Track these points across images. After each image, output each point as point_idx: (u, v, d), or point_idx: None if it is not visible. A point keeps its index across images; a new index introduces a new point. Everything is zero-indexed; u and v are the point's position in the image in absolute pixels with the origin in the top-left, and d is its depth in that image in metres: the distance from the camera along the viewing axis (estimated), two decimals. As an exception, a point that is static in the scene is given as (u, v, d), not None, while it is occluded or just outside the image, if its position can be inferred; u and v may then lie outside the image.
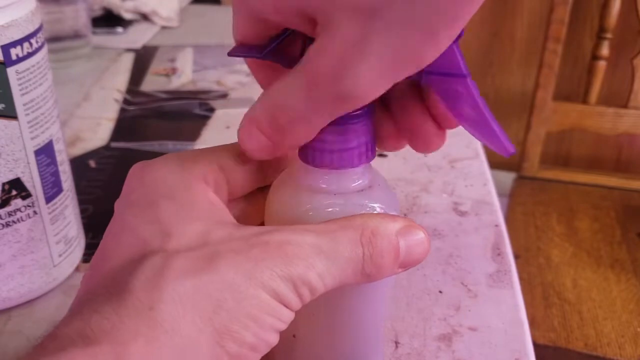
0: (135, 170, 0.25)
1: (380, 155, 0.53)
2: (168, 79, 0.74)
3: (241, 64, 0.77)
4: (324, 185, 0.25)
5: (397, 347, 0.35)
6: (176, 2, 0.95)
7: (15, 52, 0.32)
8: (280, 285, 0.21)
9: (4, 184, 0.34)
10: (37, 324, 0.37)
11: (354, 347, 0.28)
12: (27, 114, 0.34)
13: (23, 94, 0.33)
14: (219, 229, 0.23)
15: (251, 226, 0.23)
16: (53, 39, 0.75)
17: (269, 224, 0.26)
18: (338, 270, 0.22)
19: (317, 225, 0.23)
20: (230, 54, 0.25)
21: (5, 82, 0.32)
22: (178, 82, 0.73)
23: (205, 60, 0.79)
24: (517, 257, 0.98)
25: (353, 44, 0.20)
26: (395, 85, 0.21)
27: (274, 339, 0.22)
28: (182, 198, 0.24)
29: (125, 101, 0.68)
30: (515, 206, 1.19)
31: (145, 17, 0.93)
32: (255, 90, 0.72)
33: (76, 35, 0.78)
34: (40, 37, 0.35)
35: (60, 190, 0.37)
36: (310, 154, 0.24)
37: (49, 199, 0.36)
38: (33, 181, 0.35)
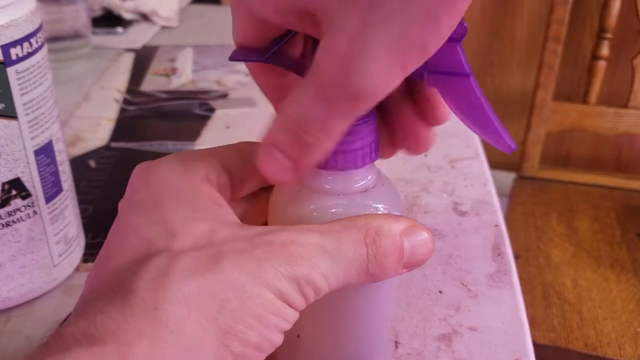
0: (139, 170, 0.25)
1: (380, 155, 0.53)
2: (168, 79, 0.74)
3: (241, 64, 0.77)
4: (327, 186, 0.25)
5: (397, 347, 0.35)
6: (176, 2, 0.95)
7: (15, 52, 0.32)
8: (284, 285, 0.21)
9: (3, 184, 0.34)
10: (37, 324, 0.37)
11: (358, 347, 0.28)
12: (27, 114, 0.34)
13: (23, 94, 0.33)
14: (223, 229, 0.23)
15: (255, 226, 0.23)
16: (53, 39, 0.75)
17: (273, 223, 0.26)
18: (342, 271, 0.22)
19: (321, 225, 0.23)
20: (231, 58, 0.25)
21: (5, 82, 0.32)
22: (178, 82, 0.73)
23: (205, 60, 0.79)
24: (517, 257, 0.98)
25: (356, 38, 0.20)
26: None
27: (278, 339, 0.22)
28: (186, 198, 0.24)
29: (125, 101, 0.68)
30: (515, 206, 1.19)
31: (145, 17, 0.93)
32: (256, 90, 0.72)
33: (76, 35, 0.78)
34: (40, 37, 0.35)
35: (60, 190, 0.37)
36: None
37: (48, 199, 0.36)
38: (33, 181, 0.35)
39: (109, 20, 0.90)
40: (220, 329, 0.20)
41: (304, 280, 0.22)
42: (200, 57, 0.80)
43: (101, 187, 0.51)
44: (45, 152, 0.36)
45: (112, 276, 0.22)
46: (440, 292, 0.39)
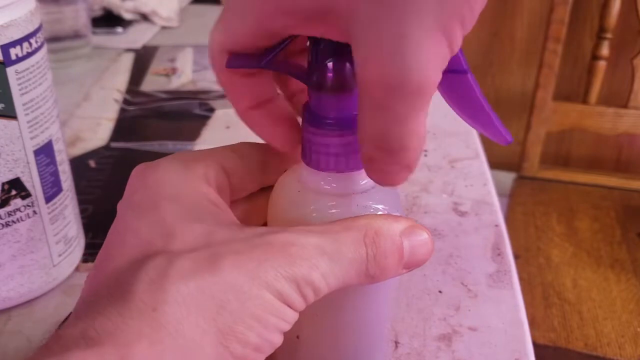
0: (138, 171, 0.25)
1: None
2: (168, 79, 0.74)
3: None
4: (327, 187, 0.25)
5: (397, 347, 0.35)
6: (176, 2, 0.95)
7: (14, 51, 0.32)
8: (284, 286, 0.21)
9: (3, 184, 0.34)
10: (37, 324, 0.37)
11: (358, 347, 0.28)
12: (27, 114, 0.34)
13: (23, 94, 0.33)
14: (222, 230, 0.23)
15: (254, 227, 0.23)
16: (53, 39, 0.75)
17: (272, 224, 0.26)
18: (341, 271, 0.22)
19: (321, 226, 0.23)
20: (228, 65, 0.24)
21: (5, 82, 0.32)
22: (178, 82, 0.73)
23: (205, 60, 0.79)
24: (517, 257, 0.98)
25: (395, 31, 0.19)
26: None
27: (278, 340, 0.22)
28: (185, 199, 0.24)
29: (125, 101, 0.68)
30: (515, 206, 1.19)
31: (145, 17, 0.93)
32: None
33: (76, 35, 0.78)
34: (40, 37, 0.35)
35: (59, 190, 0.37)
36: (314, 157, 0.24)
37: (48, 199, 0.36)
38: (33, 181, 0.35)
39: (109, 20, 0.90)
40: (219, 330, 0.20)
41: (304, 281, 0.21)
42: (200, 57, 0.80)
43: (101, 187, 0.51)
44: (45, 152, 0.36)
45: (111, 277, 0.22)
46: (440, 292, 0.39)
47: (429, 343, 0.35)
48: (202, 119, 0.63)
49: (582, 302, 0.95)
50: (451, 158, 0.55)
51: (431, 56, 0.19)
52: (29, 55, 0.33)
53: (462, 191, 0.50)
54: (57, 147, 0.37)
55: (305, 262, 0.22)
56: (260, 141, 0.28)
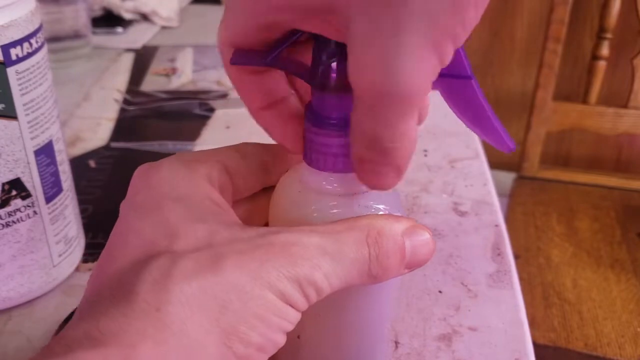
0: (141, 171, 0.25)
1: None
2: (168, 79, 0.74)
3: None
4: (328, 187, 0.25)
5: (397, 347, 0.35)
6: (176, 2, 0.95)
7: (15, 52, 0.32)
8: (286, 286, 0.21)
9: (3, 184, 0.34)
10: (37, 324, 0.37)
11: (359, 347, 0.28)
12: (27, 114, 0.34)
13: (23, 94, 0.33)
14: (225, 230, 0.23)
15: (256, 227, 0.23)
16: (53, 39, 0.75)
17: (274, 224, 0.26)
18: (344, 271, 0.22)
19: (323, 226, 0.23)
20: (232, 62, 0.24)
21: (5, 82, 0.32)
22: (178, 82, 0.73)
23: (205, 60, 0.79)
24: (517, 257, 0.97)
25: (387, 41, 0.19)
26: None
27: (281, 340, 0.22)
28: (188, 199, 0.24)
29: (125, 101, 0.68)
30: (515, 206, 1.19)
31: (145, 17, 0.93)
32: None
33: (76, 35, 0.78)
34: (40, 37, 0.35)
35: (60, 190, 0.37)
36: (315, 157, 0.24)
37: (48, 199, 0.36)
38: (33, 181, 0.35)
39: (109, 20, 0.90)
40: (222, 330, 0.20)
41: (306, 281, 0.21)
42: (200, 57, 0.80)
43: (101, 187, 0.51)
44: (45, 152, 0.36)
45: (114, 278, 0.22)
46: (440, 292, 0.39)
47: (429, 343, 0.35)
48: (202, 119, 0.63)
49: (582, 302, 0.95)
50: (451, 158, 0.55)
51: (420, 68, 0.20)
52: (29, 55, 0.33)
53: (462, 191, 0.50)
54: (58, 147, 0.37)
55: (307, 262, 0.22)
56: (262, 141, 0.28)
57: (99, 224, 0.45)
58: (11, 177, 0.34)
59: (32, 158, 0.35)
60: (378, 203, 0.25)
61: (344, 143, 0.24)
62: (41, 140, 0.35)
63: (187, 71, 0.76)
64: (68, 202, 0.39)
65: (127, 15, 0.92)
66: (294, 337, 0.27)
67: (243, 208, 0.27)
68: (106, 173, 0.53)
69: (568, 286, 0.98)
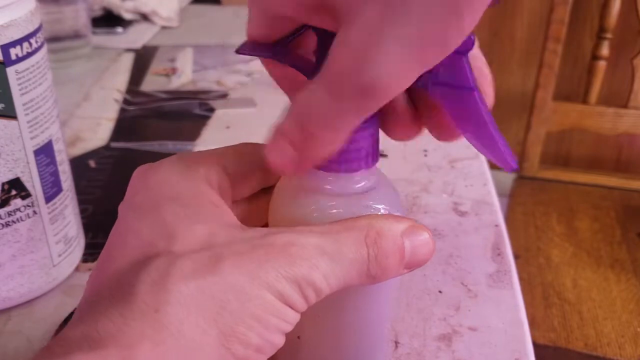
0: (139, 172, 0.25)
1: (381, 155, 0.53)
2: (168, 79, 0.74)
3: (241, 64, 0.77)
4: (328, 187, 0.25)
5: (397, 347, 0.35)
6: (176, 2, 0.95)
7: (14, 52, 0.32)
8: (285, 287, 0.21)
9: (3, 184, 0.34)
10: (37, 324, 0.37)
11: (359, 348, 0.28)
12: (27, 114, 0.34)
13: (23, 94, 0.33)
14: (223, 231, 0.23)
15: (255, 228, 0.23)
16: (53, 39, 0.75)
17: (273, 225, 0.26)
18: (343, 272, 0.22)
19: (322, 226, 0.23)
20: (238, 51, 0.24)
21: (5, 82, 0.32)
22: (178, 82, 0.73)
23: (205, 60, 0.79)
24: (517, 257, 0.97)
25: (372, 31, 0.19)
26: None
27: (279, 341, 0.22)
28: (187, 200, 0.24)
29: (125, 101, 0.68)
30: (515, 206, 1.19)
31: (145, 17, 0.93)
32: (256, 90, 0.72)
33: (76, 35, 0.78)
34: (40, 37, 0.35)
35: (59, 190, 0.37)
36: None
37: (48, 199, 0.36)
38: (33, 181, 0.35)
39: (109, 20, 0.90)
40: (220, 331, 0.20)
41: (305, 281, 0.21)
42: (200, 57, 0.80)
43: (101, 187, 0.51)
44: (45, 152, 0.36)
45: (112, 278, 0.22)
46: (440, 292, 0.39)
47: (429, 343, 0.35)
48: (202, 119, 0.63)
49: (582, 302, 0.95)
50: (451, 158, 0.55)
51: (396, 70, 0.20)
52: (29, 55, 0.33)
53: (462, 191, 0.50)
54: (57, 147, 0.37)
55: (306, 263, 0.22)
56: (262, 141, 0.28)
57: (99, 224, 0.45)
58: (11, 176, 0.34)
59: (31, 158, 0.35)
60: (377, 203, 0.25)
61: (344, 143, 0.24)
62: (41, 140, 0.35)
63: (187, 71, 0.76)
64: (68, 202, 0.38)
65: (127, 15, 0.92)
66: (294, 337, 0.26)
67: (242, 208, 0.27)
68: (106, 173, 0.53)
69: (568, 286, 0.98)
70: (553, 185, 1.25)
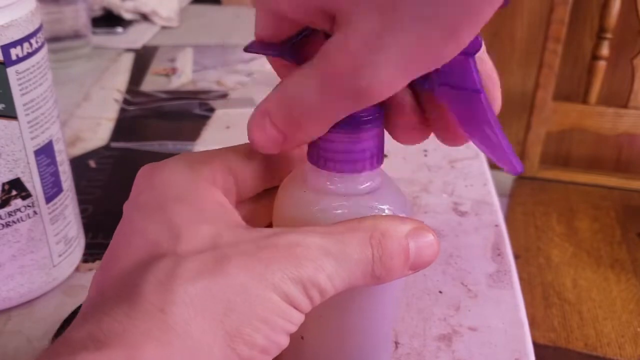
0: (144, 172, 0.25)
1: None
2: (168, 79, 0.74)
3: (241, 64, 0.77)
4: (332, 187, 0.25)
5: (397, 347, 0.35)
6: (176, 2, 0.95)
7: (15, 52, 0.32)
8: (290, 288, 0.21)
9: (3, 184, 0.34)
10: (37, 324, 0.37)
11: (362, 348, 0.28)
12: (27, 114, 0.34)
13: (23, 94, 0.33)
14: (229, 231, 0.23)
15: (260, 228, 0.23)
16: (53, 39, 0.75)
17: (277, 225, 0.26)
18: (347, 272, 0.22)
19: (327, 227, 0.23)
20: (246, 49, 0.25)
21: (5, 82, 0.32)
22: (178, 82, 0.73)
23: (205, 60, 0.79)
24: (517, 257, 0.97)
25: (372, 39, 0.20)
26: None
27: (284, 341, 0.22)
28: (191, 200, 0.24)
29: (125, 101, 0.68)
30: (515, 206, 1.19)
31: (145, 17, 0.93)
32: (256, 91, 0.72)
33: (76, 35, 0.78)
34: (40, 37, 0.35)
35: (60, 190, 0.37)
36: (320, 157, 0.24)
37: (49, 199, 0.36)
38: (33, 181, 0.35)
39: (109, 20, 0.90)
40: (226, 332, 0.20)
41: (310, 282, 0.21)
42: (200, 57, 0.80)
43: (101, 187, 0.51)
44: (45, 152, 0.36)
45: (117, 279, 0.22)
46: (440, 292, 0.39)
47: (429, 343, 0.35)
48: (202, 119, 0.63)
49: (582, 302, 0.95)
50: (451, 158, 0.55)
51: (391, 78, 0.20)
52: (29, 55, 0.33)
53: (462, 191, 0.50)
54: (58, 147, 0.37)
55: (311, 264, 0.21)
56: None
57: (99, 224, 0.45)
58: (11, 177, 0.34)
59: (32, 158, 0.35)
60: (382, 204, 0.25)
61: (349, 144, 0.24)
62: (41, 140, 0.35)
63: (187, 71, 0.76)
64: (68, 202, 0.39)
65: (127, 15, 0.92)
66: (298, 338, 0.26)
67: (246, 209, 0.27)
68: (106, 173, 0.53)
69: (568, 286, 0.98)
70: (553, 185, 1.25)
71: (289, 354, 0.25)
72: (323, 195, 0.25)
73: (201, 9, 1.02)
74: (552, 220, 1.14)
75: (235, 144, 0.27)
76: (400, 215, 0.25)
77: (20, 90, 0.33)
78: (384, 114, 0.24)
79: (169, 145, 0.58)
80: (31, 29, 0.33)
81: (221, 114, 0.64)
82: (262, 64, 0.75)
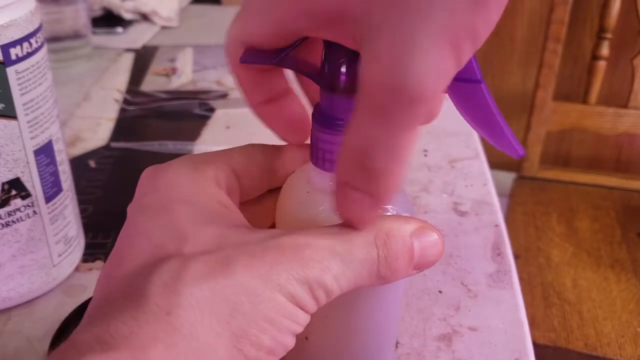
0: (148, 174, 0.25)
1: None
2: (168, 79, 0.74)
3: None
4: None
5: (397, 347, 0.35)
6: (176, 2, 0.95)
7: (14, 51, 0.32)
8: (296, 288, 0.21)
9: (3, 184, 0.34)
10: (37, 324, 0.37)
11: (368, 349, 0.28)
12: (27, 114, 0.34)
13: (23, 94, 0.33)
14: (234, 233, 0.23)
15: (265, 229, 0.23)
16: (53, 39, 0.75)
17: (281, 225, 0.26)
18: (353, 273, 0.22)
19: (332, 227, 0.23)
20: (242, 60, 0.24)
21: (5, 82, 0.32)
22: (178, 82, 0.73)
23: (205, 60, 0.79)
24: (517, 257, 0.98)
25: (399, 34, 0.18)
26: None
27: (290, 342, 0.22)
28: (196, 202, 0.24)
29: (125, 101, 0.68)
30: (515, 206, 1.19)
31: (145, 17, 0.93)
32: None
33: (76, 35, 0.78)
34: (40, 37, 0.35)
35: (59, 190, 0.37)
36: (322, 158, 0.24)
37: (48, 199, 0.36)
38: (33, 181, 0.35)
39: (109, 20, 0.90)
40: (233, 333, 0.20)
41: (316, 283, 0.21)
42: (200, 57, 0.80)
43: (101, 187, 0.51)
44: (45, 152, 0.36)
45: (123, 281, 0.22)
46: (440, 292, 0.39)
47: (429, 343, 0.35)
48: (202, 119, 0.63)
49: (582, 302, 0.95)
50: (451, 158, 0.55)
51: (436, 67, 0.19)
52: (29, 55, 0.33)
53: (462, 191, 0.50)
54: (57, 147, 0.37)
55: (317, 264, 0.21)
56: (262, 141, 0.28)
57: (99, 224, 0.45)
58: (11, 176, 0.34)
59: (31, 158, 0.35)
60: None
61: None
62: (41, 140, 0.35)
63: (187, 71, 0.76)
64: (68, 202, 0.39)
65: (127, 15, 0.92)
66: (302, 338, 0.26)
67: (250, 210, 0.27)
68: (106, 173, 0.53)
69: (568, 286, 0.98)
70: (553, 185, 1.25)
71: (293, 354, 0.25)
72: (326, 196, 0.25)
73: (201, 9, 1.02)
74: (552, 220, 1.14)
75: (236, 145, 0.27)
76: (404, 214, 0.25)
77: (20, 90, 0.33)
78: None
79: (169, 145, 0.58)
80: (31, 29, 0.33)
81: (221, 114, 0.64)
82: (262, 64, 0.75)
